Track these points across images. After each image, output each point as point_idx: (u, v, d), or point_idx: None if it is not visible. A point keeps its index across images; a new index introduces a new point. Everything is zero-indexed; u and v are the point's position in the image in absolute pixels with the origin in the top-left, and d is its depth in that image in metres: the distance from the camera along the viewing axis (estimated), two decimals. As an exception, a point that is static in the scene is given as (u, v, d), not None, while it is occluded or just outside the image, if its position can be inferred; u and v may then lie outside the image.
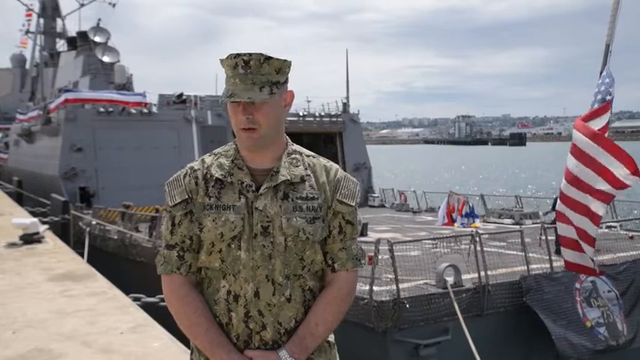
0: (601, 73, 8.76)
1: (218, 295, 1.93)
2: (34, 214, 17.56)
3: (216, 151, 2.05)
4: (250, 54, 1.88)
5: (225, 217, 1.90)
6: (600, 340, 8.45)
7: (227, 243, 1.91)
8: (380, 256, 8.24)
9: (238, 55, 1.88)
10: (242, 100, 1.87)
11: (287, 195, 1.93)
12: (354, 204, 2.01)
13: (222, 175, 1.95)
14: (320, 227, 1.94)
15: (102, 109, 23.49)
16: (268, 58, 1.89)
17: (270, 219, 1.90)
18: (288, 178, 1.94)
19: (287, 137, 2.05)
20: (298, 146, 2.06)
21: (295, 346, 1.89)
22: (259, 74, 1.89)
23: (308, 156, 2.04)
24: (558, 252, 11.23)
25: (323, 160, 2.05)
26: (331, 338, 2.05)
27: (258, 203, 1.91)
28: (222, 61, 1.94)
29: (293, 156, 2.00)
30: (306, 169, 1.99)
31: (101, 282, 7.48)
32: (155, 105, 26.11)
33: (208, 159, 2.02)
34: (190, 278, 1.97)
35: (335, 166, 2.05)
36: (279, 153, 1.98)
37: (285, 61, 1.94)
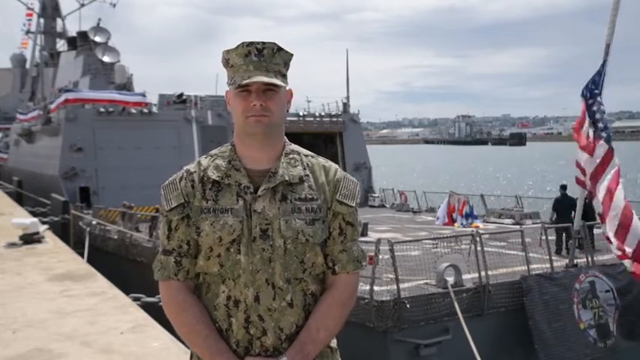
0: (601, 72, 8.79)
1: (217, 301, 1.89)
2: (34, 214, 17.55)
3: (212, 152, 2.00)
4: (264, 43, 1.89)
5: (223, 220, 1.86)
6: (590, 342, 8.52)
7: (226, 247, 1.87)
8: (380, 256, 8.25)
9: (251, 43, 1.88)
10: (256, 86, 1.85)
11: (285, 196, 1.89)
12: (354, 205, 1.96)
13: (219, 176, 1.91)
14: (320, 229, 1.90)
15: (102, 109, 23.50)
16: (280, 49, 1.91)
17: (269, 221, 1.86)
18: (287, 178, 1.90)
19: (285, 138, 2.02)
20: (296, 146, 2.02)
21: (297, 352, 1.85)
22: (272, 63, 1.89)
23: (306, 156, 1.99)
24: (559, 252, 11.29)
25: (322, 160, 2.01)
26: (333, 343, 2.00)
27: (256, 205, 1.87)
28: (229, 51, 1.91)
29: (291, 156, 1.96)
30: (304, 169, 1.94)
31: (101, 282, 7.47)
32: (155, 105, 26.11)
33: (204, 161, 1.97)
34: (188, 284, 1.93)
35: (334, 165, 2.01)
36: (277, 153, 1.94)
37: (292, 54, 1.95)
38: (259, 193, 1.88)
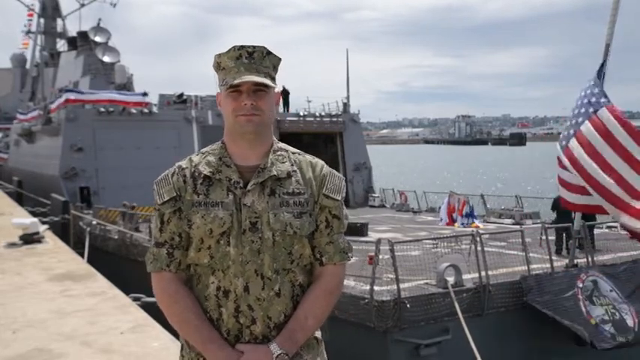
0: (601, 71, 8.76)
1: (208, 291, 1.96)
2: (34, 214, 17.54)
3: (203, 150, 2.10)
4: (254, 46, 1.98)
5: (214, 213, 1.94)
6: (606, 337, 8.39)
7: (216, 239, 1.94)
8: (381, 256, 8.24)
9: (242, 47, 1.97)
10: (247, 86, 1.94)
11: (274, 191, 1.97)
12: (339, 198, 2.05)
13: (210, 172, 1.99)
14: (307, 222, 1.98)
15: (102, 109, 23.50)
16: (269, 53, 2.01)
17: (258, 215, 1.94)
18: (275, 174, 1.98)
19: (274, 137, 2.11)
20: (283, 144, 2.11)
21: (285, 339, 1.93)
22: (262, 66, 1.99)
23: (294, 153, 2.08)
24: (559, 252, 11.28)
25: (308, 157, 2.09)
26: (318, 334, 2.08)
27: (246, 199, 1.95)
28: (220, 55, 2.00)
29: (279, 153, 2.04)
30: (292, 165, 2.03)
31: (101, 282, 7.47)
32: (155, 105, 26.11)
33: (196, 158, 2.06)
34: (180, 275, 2.01)
35: (320, 162, 2.09)
36: (266, 150, 2.03)
37: (280, 58, 2.04)
38: (249, 187, 1.96)
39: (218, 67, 2.01)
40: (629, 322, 8.67)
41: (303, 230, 1.97)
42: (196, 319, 1.93)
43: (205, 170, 1.99)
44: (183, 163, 2.05)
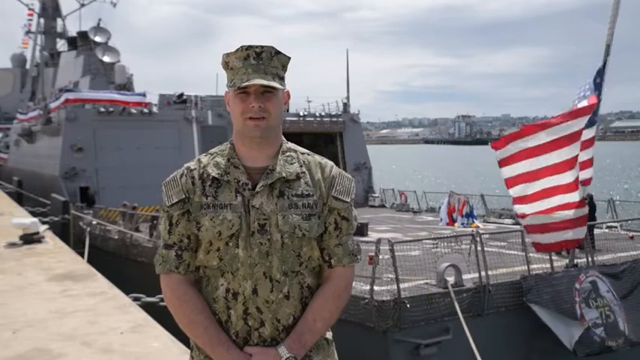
0: (602, 71, 8.76)
1: (217, 293, 1.95)
2: (34, 214, 17.53)
3: (212, 150, 2.07)
4: (262, 46, 1.96)
5: (222, 215, 1.92)
6: (595, 341, 8.43)
7: (225, 241, 1.93)
8: (381, 256, 8.23)
9: (250, 47, 1.95)
10: (255, 88, 1.92)
11: (283, 192, 1.95)
12: (349, 200, 2.02)
13: (218, 173, 1.97)
14: (316, 224, 1.96)
15: (102, 109, 23.52)
16: (278, 52, 1.98)
17: (267, 217, 1.93)
18: (284, 175, 1.96)
19: (282, 137, 2.08)
20: (293, 144, 2.09)
21: (294, 342, 1.91)
22: (270, 66, 1.96)
23: (303, 153, 2.06)
24: (559, 252, 11.26)
25: (318, 158, 2.07)
26: (329, 335, 2.06)
27: (254, 201, 1.93)
28: (228, 54, 1.98)
29: (288, 154, 2.02)
30: (301, 166, 2.01)
31: (101, 282, 7.47)
32: (155, 105, 26.13)
33: (204, 159, 2.04)
34: (189, 277, 1.99)
35: (330, 163, 2.07)
36: (275, 151, 2.01)
37: (289, 57, 2.01)
38: (257, 189, 1.94)
39: (226, 66, 1.99)
40: (621, 325, 8.71)
41: (312, 232, 1.95)
42: (205, 320, 1.92)
43: (214, 172, 1.97)
44: (192, 165, 2.03)
